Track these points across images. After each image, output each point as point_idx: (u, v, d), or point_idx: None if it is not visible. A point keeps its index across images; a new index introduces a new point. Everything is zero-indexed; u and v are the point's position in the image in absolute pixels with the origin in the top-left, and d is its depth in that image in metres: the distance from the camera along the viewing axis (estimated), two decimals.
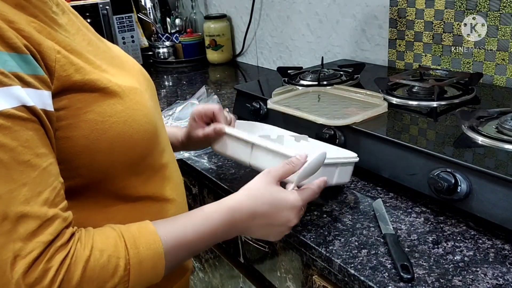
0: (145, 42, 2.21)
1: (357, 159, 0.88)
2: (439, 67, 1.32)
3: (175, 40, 2.21)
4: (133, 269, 0.57)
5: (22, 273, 0.50)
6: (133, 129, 0.63)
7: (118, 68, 0.69)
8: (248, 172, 1.00)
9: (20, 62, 0.52)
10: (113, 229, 0.59)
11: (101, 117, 0.60)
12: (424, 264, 0.69)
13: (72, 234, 0.55)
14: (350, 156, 0.89)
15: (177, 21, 2.24)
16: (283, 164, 0.72)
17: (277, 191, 0.69)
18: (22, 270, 0.50)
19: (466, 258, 0.70)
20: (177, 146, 0.96)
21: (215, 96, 1.40)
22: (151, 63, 2.26)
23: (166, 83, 1.98)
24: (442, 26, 1.28)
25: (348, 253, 0.73)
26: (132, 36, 2.05)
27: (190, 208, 0.75)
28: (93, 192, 0.64)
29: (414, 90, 1.10)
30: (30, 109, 0.52)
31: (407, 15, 1.36)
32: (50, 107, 0.55)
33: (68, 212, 0.56)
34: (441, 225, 0.79)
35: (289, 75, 1.35)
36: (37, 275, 0.51)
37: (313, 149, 0.93)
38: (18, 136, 0.51)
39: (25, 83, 0.52)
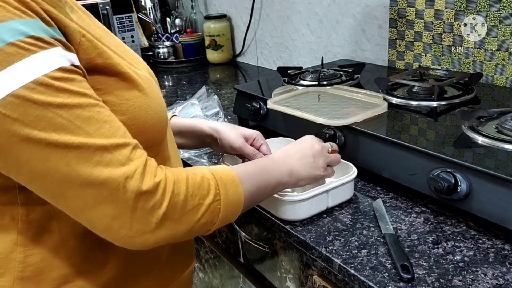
0: (145, 42, 2.21)
1: (349, 177, 0.86)
2: (439, 67, 1.32)
3: (175, 40, 2.21)
4: (222, 188, 0.64)
5: (136, 188, 0.56)
6: (147, 114, 0.66)
7: (130, 60, 0.70)
8: None
9: (55, 31, 0.56)
10: (194, 166, 0.67)
11: (119, 99, 0.63)
12: (424, 264, 0.69)
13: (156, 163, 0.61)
14: (342, 176, 0.87)
15: (177, 21, 2.24)
16: None
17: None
18: (136, 187, 0.56)
19: (466, 258, 0.70)
20: (199, 125, 0.98)
21: (215, 96, 1.40)
22: (151, 63, 2.26)
23: (166, 83, 1.98)
24: (442, 26, 1.28)
25: (348, 253, 0.73)
26: (132, 36, 2.05)
27: None
28: None
29: (414, 90, 1.10)
30: (78, 67, 0.57)
31: (407, 15, 1.36)
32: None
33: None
34: (441, 225, 0.79)
35: (289, 75, 1.35)
36: (150, 188, 0.57)
37: None
38: (82, 85, 0.56)
39: (66, 47, 0.56)
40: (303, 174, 0.79)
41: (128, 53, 0.74)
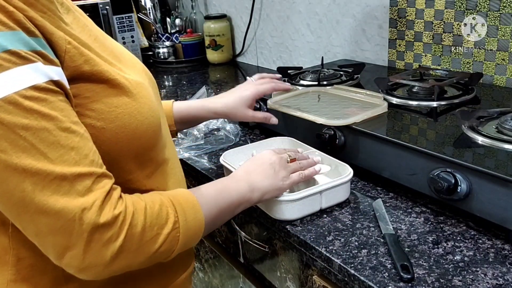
0: (145, 42, 2.21)
1: (344, 179, 0.85)
2: (439, 67, 1.32)
3: (175, 40, 2.21)
4: (180, 215, 0.63)
5: (93, 223, 0.54)
6: (138, 121, 0.64)
7: (123, 64, 0.70)
8: None
9: (37, 43, 0.55)
10: (150, 192, 0.66)
11: (107, 107, 0.61)
12: (424, 264, 0.70)
13: (120, 192, 0.60)
14: (336, 178, 0.86)
15: (177, 21, 2.23)
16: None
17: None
18: (93, 218, 0.54)
19: (466, 258, 0.70)
20: (206, 116, 1.03)
21: None
22: (151, 63, 2.26)
23: (166, 83, 1.98)
24: (442, 26, 1.28)
25: (348, 253, 0.73)
26: (132, 36, 2.05)
27: None
28: None
29: (414, 90, 1.10)
30: (56, 83, 0.55)
31: (407, 15, 1.36)
32: (67, 84, 0.58)
33: (110, 173, 0.60)
34: (441, 225, 0.79)
35: (289, 75, 1.35)
36: (108, 220, 0.56)
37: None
38: (55, 107, 0.54)
39: (47, 61, 0.55)
40: (266, 187, 0.79)
41: (123, 56, 0.73)
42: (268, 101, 1.11)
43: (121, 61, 0.70)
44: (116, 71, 0.64)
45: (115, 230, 0.56)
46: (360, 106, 1.03)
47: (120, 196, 0.59)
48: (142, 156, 0.69)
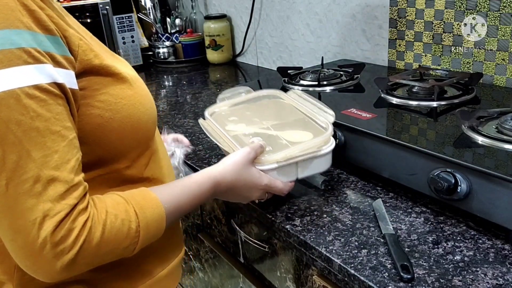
0: (145, 42, 2.21)
1: (324, 151, 0.83)
2: (439, 67, 1.32)
3: (175, 40, 2.21)
4: (142, 231, 0.63)
5: (50, 231, 0.54)
6: (140, 111, 0.68)
7: (118, 60, 0.73)
8: None
9: (53, 43, 0.57)
10: (120, 196, 0.64)
11: (114, 99, 0.65)
12: (424, 264, 0.69)
13: (87, 201, 0.59)
14: (312, 149, 0.82)
15: (177, 21, 2.23)
16: (259, 146, 0.82)
17: (254, 173, 0.80)
18: (50, 229, 0.54)
19: (466, 258, 0.70)
20: None
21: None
22: (151, 63, 2.26)
23: (166, 83, 1.98)
24: (442, 26, 1.28)
25: (348, 253, 0.73)
26: (132, 36, 2.05)
27: None
28: (101, 172, 0.68)
29: (414, 90, 1.10)
30: (60, 86, 0.57)
31: (407, 15, 1.36)
32: (75, 86, 0.60)
33: (85, 182, 0.60)
34: (441, 225, 0.79)
35: (289, 75, 1.35)
36: (63, 234, 0.55)
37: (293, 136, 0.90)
38: (51, 109, 0.56)
39: (57, 63, 0.57)
40: (228, 199, 0.83)
41: (113, 54, 0.76)
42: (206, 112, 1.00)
43: (114, 57, 0.73)
44: (118, 66, 0.68)
45: (67, 244, 0.56)
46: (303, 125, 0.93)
47: (86, 207, 0.58)
48: (143, 144, 0.72)
